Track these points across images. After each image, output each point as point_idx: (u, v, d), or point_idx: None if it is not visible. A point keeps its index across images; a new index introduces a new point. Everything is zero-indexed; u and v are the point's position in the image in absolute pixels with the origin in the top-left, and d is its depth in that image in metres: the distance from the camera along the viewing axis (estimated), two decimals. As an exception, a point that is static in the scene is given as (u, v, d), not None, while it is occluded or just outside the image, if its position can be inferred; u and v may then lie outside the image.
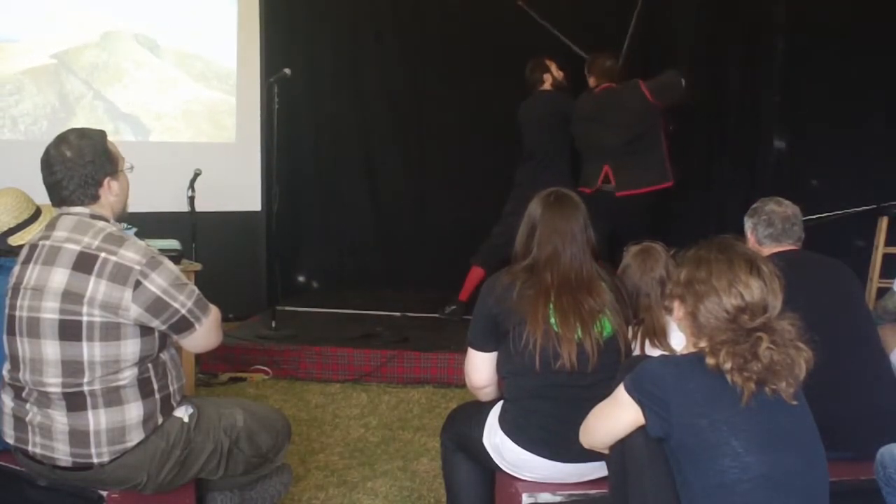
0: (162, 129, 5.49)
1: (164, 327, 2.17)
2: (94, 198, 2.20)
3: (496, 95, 6.04)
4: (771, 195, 3.04)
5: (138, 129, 5.39)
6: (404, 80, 6.17)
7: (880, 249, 5.00)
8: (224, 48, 5.65)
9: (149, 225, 3.66)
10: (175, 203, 4.50)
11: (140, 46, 5.43)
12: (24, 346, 2.14)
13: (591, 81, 5.02)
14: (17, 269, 2.21)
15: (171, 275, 2.17)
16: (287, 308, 5.24)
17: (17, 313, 2.15)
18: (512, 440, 2.32)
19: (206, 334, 2.27)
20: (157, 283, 2.13)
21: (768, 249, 2.76)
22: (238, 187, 5.61)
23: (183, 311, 2.17)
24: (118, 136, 5.21)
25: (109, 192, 2.23)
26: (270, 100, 4.85)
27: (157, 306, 2.13)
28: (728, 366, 1.72)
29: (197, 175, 4.45)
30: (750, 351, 1.72)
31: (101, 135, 2.26)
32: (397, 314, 5.38)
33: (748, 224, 2.85)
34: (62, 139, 2.20)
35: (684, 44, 6.01)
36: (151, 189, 4.40)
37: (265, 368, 4.51)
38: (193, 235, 4.36)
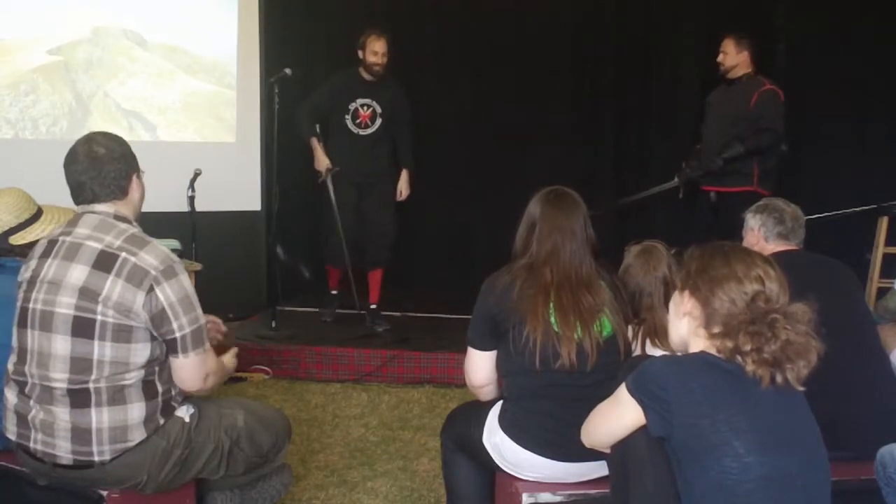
0: (162, 129, 5.49)
1: (160, 339, 2.17)
2: (124, 194, 2.24)
3: (494, 95, 6.06)
4: (771, 196, 3.06)
5: (138, 129, 5.39)
6: (402, 80, 6.16)
7: (880, 249, 5.01)
8: (224, 48, 5.65)
9: (149, 225, 3.64)
10: (175, 203, 4.50)
11: (138, 46, 5.43)
12: (33, 339, 2.14)
13: (753, 70, 4.73)
14: (33, 262, 2.22)
15: (182, 291, 2.16)
16: (287, 308, 5.24)
17: (31, 305, 2.16)
18: (512, 439, 2.32)
19: (187, 369, 2.20)
20: (166, 294, 2.12)
21: (774, 246, 2.77)
22: (238, 187, 5.61)
23: (176, 335, 2.15)
24: (125, 136, 5.22)
25: (136, 189, 2.27)
26: (270, 100, 4.85)
27: (159, 318, 2.13)
28: (747, 347, 1.71)
29: (197, 175, 4.45)
30: (769, 328, 1.72)
31: (123, 138, 2.32)
32: (397, 314, 5.38)
33: (755, 220, 2.85)
34: (90, 139, 2.24)
35: (685, 45, 6.02)
36: (151, 189, 4.39)
37: (265, 368, 4.51)
38: (193, 235, 4.37)
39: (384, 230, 5.08)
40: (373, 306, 5.16)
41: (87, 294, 2.09)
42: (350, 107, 4.94)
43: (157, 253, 2.15)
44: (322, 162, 4.89)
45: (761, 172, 4.59)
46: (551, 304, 2.26)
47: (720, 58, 4.74)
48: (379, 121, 4.98)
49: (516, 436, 2.31)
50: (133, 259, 2.11)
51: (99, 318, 2.09)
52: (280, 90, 4.75)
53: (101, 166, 2.19)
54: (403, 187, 5.09)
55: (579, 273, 2.32)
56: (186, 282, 2.19)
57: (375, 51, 4.88)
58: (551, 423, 2.27)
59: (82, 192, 2.22)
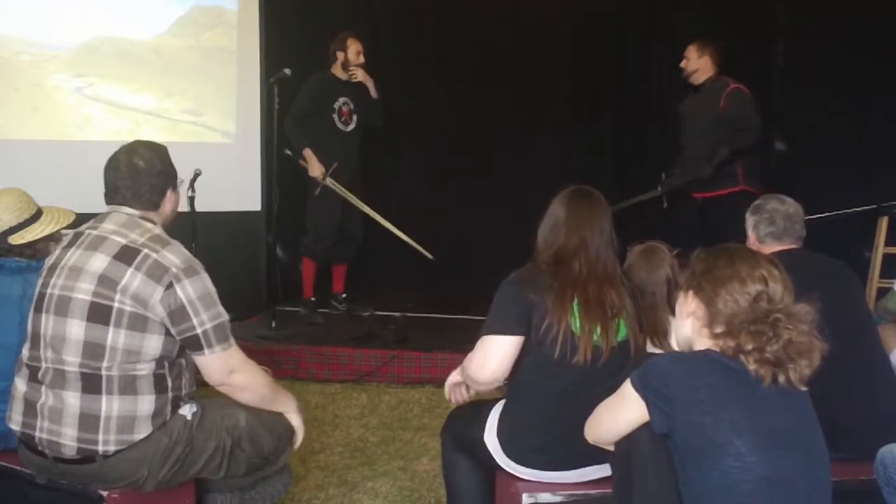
0: (162, 129, 5.49)
1: (178, 337, 2.20)
2: (156, 206, 2.31)
3: (492, 97, 6.05)
4: (763, 193, 3.05)
5: (138, 129, 5.38)
6: (401, 81, 6.17)
7: (880, 249, 5.01)
8: (223, 48, 5.65)
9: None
10: (175, 203, 4.50)
11: (137, 47, 5.43)
12: (48, 323, 2.18)
13: (715, 73, 4.80)
14: (58, 252, 2.28)
15: (203, 289, 2.19)
16: (287, 308, 5.24)
17: (49, 291, 2.21)
18: (508, 456, 2.32)
19: (211, 364, 2.23)
20: (186, 292, 2.15)
21: (769, 248, 2.75)
22: (238, 187, 5.61)
23: (198, 330, 2.18)
24: (120, 137, 5.22)
25: (169, 202, 2.34)
26: (270, 100, 4.85)
27: (178, 314, 2.15)
28: (749, 346, 1.71)
29: (197, 175, 4.44)
30: (771, 328, 1.72)
31: (165, 149, 2.37)
32: (397, 314, 5.38)
33: (750, 221, 2.85)
34: (132, 150, 2.31)
35: (685, 45, 6.01)
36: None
37: (265, 368, 4.47)
38: (193, 235, 4.36)
39: (358, 231, 5.35)
40: (344, 295, 5.46)
41: (106, 282, 2.14)
42: (335, 105, 5.10)
43: (178, 252, 2.20)
44: (318, 169, 5.01)
45: (746, 171, 4.64)
46: (576, 299, 2.24)
47: (682, 63, 4.85)
48: (355, 117, 5.18)
49: (512, 452, 2.32)
50: (154, 255, 2.16)
51: (116, 305, 2.13)
52: (280, 90, 4.77)
53: (138, 178, 2.26)
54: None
55: (605, 269, 2.30)
56: (208, 280, 2.22)
57: (359, 51, 5.12)
58: (551, 428, 2.26)
59: (115, 196, 2.29)
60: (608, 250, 2.33)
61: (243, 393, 2.35)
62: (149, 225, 2.26)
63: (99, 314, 2.14)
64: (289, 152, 5.12)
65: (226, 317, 2.24)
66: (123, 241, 2.19)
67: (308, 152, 5.02)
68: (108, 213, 2.29)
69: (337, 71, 5.14)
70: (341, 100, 5.11)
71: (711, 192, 4.71)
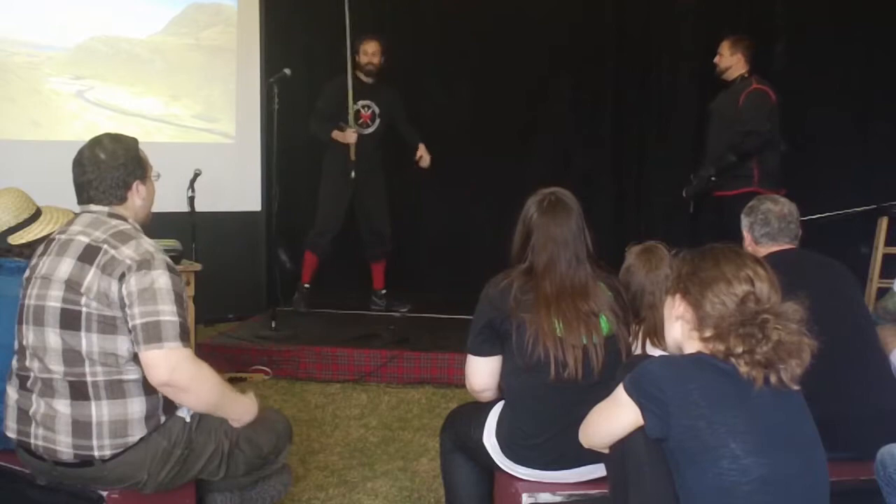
0: (162, 130, 5.49)
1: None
2: (122, 199, 2.26)
3: (493, 97, 6.05)
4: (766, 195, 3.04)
5: (137, 129, 5.39)
6: (402, 81, 6.17)
7: (880, 249, 5.00)
8: (223, 47, 5.65)
9: (149, 225, 3.66)
10: (175, 203, 4.49)
11: (137, 47, 5.43)
12: (29, 334, 2.18)
13: (747, 71, 4.76)
14: (34, 261, 2.26)
15: (148, 284, 2.10)
16: (287, 308, 5.24)
17: (27, 302, 2.20)
18: (509, 458, 2.33)
19: (150, 364, 2.09)
20: (130, 285, 2.10)
21: (765, 248, 2.75)
22: (238, 187, 5.62)
23: (128, 324, 2.11)
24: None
25: (137, 196, 2.29)
26: (270, 100, 4.86)
27: (121, 306, 2.11)
28: (739, 349, 1.71)
29: (197, 175, 4.45)
30: (759, 330, 1.71)
31: (134, 141, 2.33)
32: (397, 314, 5.38)
33: (745, 222, 2.85)
34: (96, 142, 2.26)
35: (684, 46, 6.01)
36: (151, 189, 4.39)
37: (265, 368, 4.51)
38: (193, 235, 4.36)
39: (384, 225, 5.41)
40: (384, 291, 5.54)
41: (72, 286, 2.13)
42: (354, 109, 5.17)
43: (136, 247, 2.15)
44: (351, 136, 5.11)
45: (762, 173, 4.62)
46: (553, 316, 2.25)
47: (716, 59, 4.81)
48: (378, 121, 5.28)
49: (512, 453, 2.32)
50: (113, 252, 2.13)
51: (84, 309, 2.11)
52: (280, 90, 4.76)
53: (100, 172, 2.23)
54: (425, 154, 5.35)
55: (574, 282, 2.30)
56: (161, 277, 2.12)
57: (367, 51, 5.21)
58: (547, 427, 2.26)
59: (84, 193, 2.26)
60: (577, 260, 2.32)
61: (183, 395, 2.18)
62: (115, 221, 2.21)
63: (70, 320, 2.12)
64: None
65: (169, 317, 2.11)
66: (87, 240, 2.16)
67: (336, 133, 5.12)
68: (79, 214, 2.27)
69: (359, 73, 5.23)
70: (361, 103, 5.21)
71: (726, 191, 4.71)
